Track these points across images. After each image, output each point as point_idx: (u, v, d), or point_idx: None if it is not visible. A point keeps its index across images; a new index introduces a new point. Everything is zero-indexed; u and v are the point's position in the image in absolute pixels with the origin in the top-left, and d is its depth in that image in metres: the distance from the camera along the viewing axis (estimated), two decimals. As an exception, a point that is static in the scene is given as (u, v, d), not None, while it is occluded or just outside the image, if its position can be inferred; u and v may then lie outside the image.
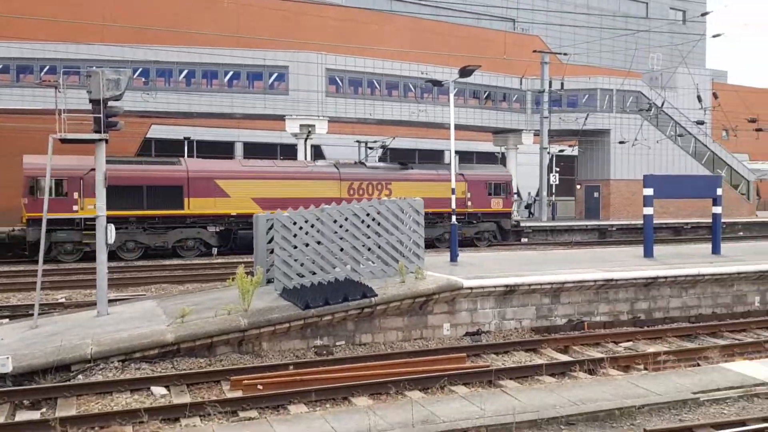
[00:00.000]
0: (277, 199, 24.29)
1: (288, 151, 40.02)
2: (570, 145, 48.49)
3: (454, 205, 18.35)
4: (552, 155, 44.84)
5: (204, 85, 33.93)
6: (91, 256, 19.67)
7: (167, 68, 33.16)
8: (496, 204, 31.01)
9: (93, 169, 20.86)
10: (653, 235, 19.15)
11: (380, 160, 36.72)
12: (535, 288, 13.96)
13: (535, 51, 39.24)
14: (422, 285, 13.12)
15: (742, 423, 7.76)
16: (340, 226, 13.78)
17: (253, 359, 11.61)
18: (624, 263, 16.86)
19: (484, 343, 12.62)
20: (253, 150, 40.81)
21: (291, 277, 13.28)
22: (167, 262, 24.59)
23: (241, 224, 25.53)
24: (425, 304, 13.07)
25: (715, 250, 19.53)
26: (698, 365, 10.97)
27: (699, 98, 36.41)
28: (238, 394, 9.73)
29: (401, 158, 35.93)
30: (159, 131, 39.45)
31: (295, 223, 13.35)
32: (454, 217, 18.42)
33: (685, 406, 8.66)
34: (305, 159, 34.32)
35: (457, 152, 40.02)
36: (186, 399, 9.50)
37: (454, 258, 17.45)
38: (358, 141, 36.67)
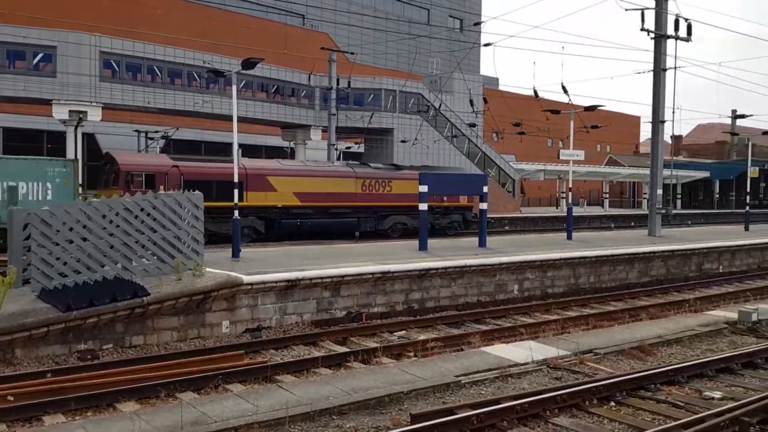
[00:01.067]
0: (311, 193, 27.36)
1: (55, 139, 36.44)
2: (356, 143, 50.03)
3: (236, 200, 17.92)
4: (339, 151, 45.86)
5: (-50, 60, 29.76)
6: None
7: None
8: (463, 200, 35.44)
9: (175, 165, 25.37)
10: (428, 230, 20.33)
11: (162, 151, 34.89)
12: (316, 282, 14.10)
13: (323, 48, 39.74)
14: (200, 282, 12.63)
15: (497, 401, 8.41)
16: (110, 222, 12.78)
17: (4, 368, 10.37)
18: (400, 256, 17.68)
19: (264, 339, 12.48)
20: (15, 136, 36.61)
21: (51, 277, 12.04)
22: None
23: (284, 214, 28.62)
24: (203, 302, 12.59)
25: (482, 243, 21.21)
26: (462, 350, 11.79)
27: (471, 102, 39.38)
28: (-18, 408, 8.59)
29: (185, 150, 34.48)
30: None
31: (55, 218, 12.12)
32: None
33: (449, 389, 9.22)
34: (75, 147, 31.49)
35: (244, 146, 39.35)
36: None
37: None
38: (137, 131, 34.50)
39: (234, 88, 17.28)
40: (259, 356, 11.65)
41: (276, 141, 47.19)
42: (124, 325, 11.81)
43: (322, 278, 14.19)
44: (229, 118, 18.57)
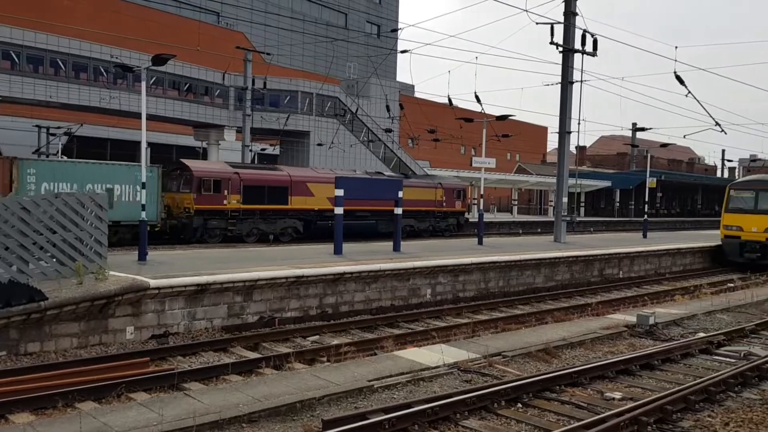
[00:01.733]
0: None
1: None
2: (272, 144, 49.42)
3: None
4: (254, 153, 45.12)
5: None
6: (229, 239, 28.71)
7: None
8: (458, 205, 39.90)
9: (236, 173, 29.40)
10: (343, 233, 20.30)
11: (65, 147, 33.25)
12: (227, 286, 13.77)
13: (238, 47, 39.06)
14: (103, 286, 12.06)
15: (409, 405, 8.46)
16: (5, 222, 12.02)
17: None
18: (315, 260, 17.56)
19: (171, 345, 12.06)
20: None
21: (-65, 281, 11.20)
22: None
23: (319, 217, 32.00)
24: (106, 307, 12.03)
25: (396, 248, 21.41)
26: (375, 354, 11.80)
27: (388, 108, 39.74)
28: None
29: (91, 147, 33.00)
30: None
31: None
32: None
33: (361, 394, 9.20)
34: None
35: (154, 145, 38.10)
36: None
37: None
38: (38, 126, 32.70)
39: (143, 84, 16.67)
40: (166, 363, 11.25)
41: (188, 141, 45.95)
42: (19, 331, 11.13)
43: (233, 282, 13.87)
44: (138, 116, 17.92)
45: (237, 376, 10.57)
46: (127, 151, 43.79)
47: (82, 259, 12.71)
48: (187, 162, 29.36)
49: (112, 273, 13.01)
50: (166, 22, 48.60)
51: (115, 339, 12.21)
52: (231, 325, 13.75)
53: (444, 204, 38.63)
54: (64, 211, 12.68)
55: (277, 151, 50.62)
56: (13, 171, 21.97)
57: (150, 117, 22.98)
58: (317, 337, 13.62)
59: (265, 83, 40.46)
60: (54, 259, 12.62)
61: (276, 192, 30.89)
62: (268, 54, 39.86)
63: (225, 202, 29.14)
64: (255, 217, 30.17)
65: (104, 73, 35.49)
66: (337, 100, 48.03)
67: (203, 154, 45.05)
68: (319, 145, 44.73)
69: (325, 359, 11.60)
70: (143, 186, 16.84)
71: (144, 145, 16.93)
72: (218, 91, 42.06)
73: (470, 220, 42.57)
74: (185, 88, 40.57)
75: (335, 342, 12.84)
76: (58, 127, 32.44)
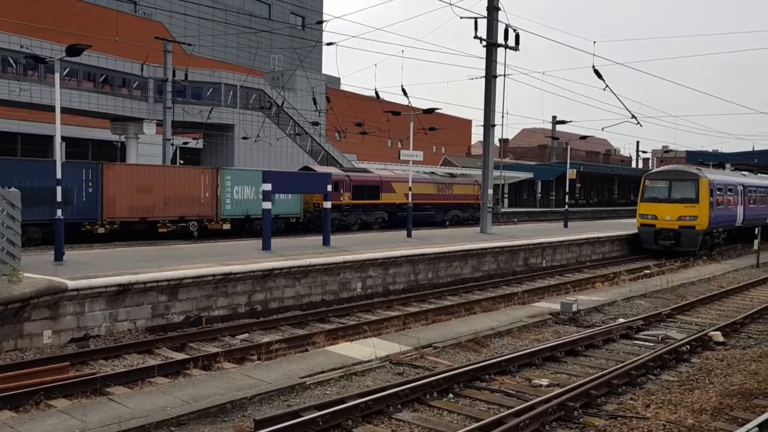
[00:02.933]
0: (414, 194, 31.70)
1: None
2: (194, 138, 48.21)
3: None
4: (176, 147, 43.90)
5: None
6: (342, 228, 35.21)
7: None
8: (472, 197, 46.86)
9: (347, 175, 37.16)
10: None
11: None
12: (151, 286, 13.32)
13: (157, 38, 37.79)
14: (17, 288, 11.43)
15: (342, 401, 8.42)
16: None
17: None
18: (243, 256, 17.24)
19: (92, 349, 11.57)
20: None
21: None
22: None
23: (398, 209, 39.43)
24: (21, 311, 11.42)
25: (326, 242, 21.28)
26: (307, 350, 11.70)
27: (314, 101, 39.40)
28: None
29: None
30: None
31: None
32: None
33: (293, 392, 9.09)
34: None
35: (69, 139, 36.46)
36: None
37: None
38: (-61, 119, 30.75)
39: (57, 75, 15.87)
40: (87, 367, 10.79)
41: (105, 134, 44.25)
42: (-76, 339, 10.43)
43: (157, 281, 13.43)
44: (51, 109, 17.07)
45: (164, 378, 10.25)
46: (40, 146, 41.80)
47: (-7, 261, 12.02)
48: (314, 167, 37.92)
49: (26, 275, 12.37)
50: (81, 11, 46.59)
51: (31, 344, 11.62)
52: (156, 325, 13.32)
53: (480, 197, 41.14)
54: (-29, 210, 11.95)
55: (200, 145, 49.40)
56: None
57: (64, 110, 21.97)
58: (247, 335, 13.38)
59: (186, 75, 39.29)
60: (-39, 262, 11.90)
61: (372, 190, 38.52)
62: (188, 45, 38.71)
63: (341, 198, 35.81)
64: (359, 210, 37.65)
65: (14, 64, 33.68)
66: (262, 92, 47.30)
67: (122, 148, 43.48)
68: (244, 138, 43.94)
69: (255, 357, 11.40)
70: (58, 183, 16.04)
71: (58, 139, 16.13)
72: (137, 82, 40.64)
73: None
74: (102, 79, 39.01)
75: (266, 339, 12.64)
76: (-37, 121, 30.63)
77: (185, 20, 56.52)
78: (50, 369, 10.13)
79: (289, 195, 32.22)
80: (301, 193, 31.66)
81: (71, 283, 12.10)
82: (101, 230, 26.11)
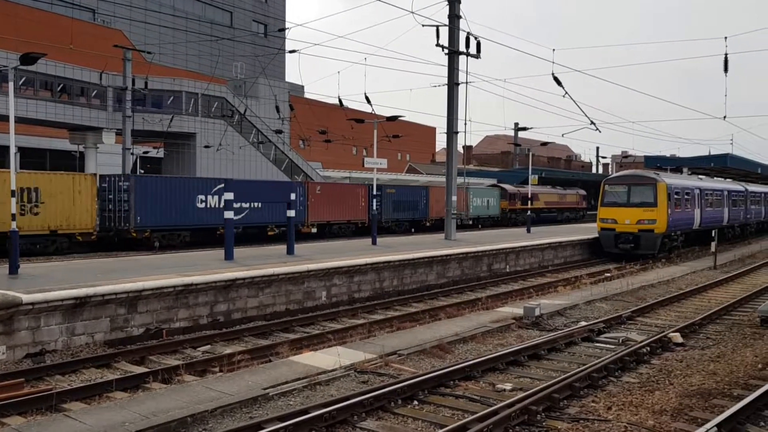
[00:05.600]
0: (546, 201, 52.60)
1: None
2: (155, 147, 47.52)
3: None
4: (136, 156, 43.19)
5: None
6: (515, 224, 51.72)
7: None
8: (584, 203, 68.11)
9: (518, 190, 55.73)
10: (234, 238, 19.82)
11: None
12: (109, 298, 13.03)
13: (116, 46, 37.17)
14: (-32, 304, 11.08)
15: (306, 411, 8.32)
16: None
17: None
18: (205, 267, 17.01)
19: (48, 364, 11.26)
20: None
21: None
22: None
23: (540, 212, 56.60)
24: (-27, 326, 11.07)
25: (290, 251, 21.13)
26: (270, 361, 11.56)
27: (278, 109, 39.17)
28: None
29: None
30: None
31: None
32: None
33: (256, 403, 8.96)
34: None
35: (26, 149, 35.65)
36: None
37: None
38: None
39: (11, 85, 15.48)
40: (43, 383, 10.49)
41: (63, 144, 43.33)
42: None
43: (116, 294, 13.15)
44: (5, 119, 16.62)
45: (122, 392, 10.01)
46: (-4, 156, 40.69)
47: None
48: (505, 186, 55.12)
49: (-22, 289, 11.99)
50: (37, 18, 45.62)
51: (-17, 361, 11.26)
52: (115, 339, 13.03)
53: (578, 204, 66.63)
54: None
55: (161, 154, 48.69)
56: None
57: (19, 120, 21.46)
58: (209, 346, 13.17)
59: (146, 83, 38.68)
60: None
61: (528, 199, 43.60)
62: (148, 53, 38.22)
63: (516, 205, 54.07)
64: (522, 212, 51.41)
65: (-35, 73, 32.80)
66: (224, 100, 46.87)
67: (80, 158, 42.62)
68: (207, 147, 43.46)
69: (217, 369, 11.22)
70: (13, 194, 15.61)
71: (13, 150, 15.72)
72: (95, 91, 39.90)
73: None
74: (59, 88, 38.22)
75: (228, 351, 12.46)
76: None
77: (145, 28, 55.77)
78: (4, 386, 9.82)
79: (489, 201, 51.49)
80: (266, 203, 31.39)
81: (26, 297, 11.78)
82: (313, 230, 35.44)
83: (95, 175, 27.27)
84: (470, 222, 47.73)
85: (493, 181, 72.26)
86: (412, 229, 42.12)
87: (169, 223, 28.53)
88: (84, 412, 8.49)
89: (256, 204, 31.09)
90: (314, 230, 35.63)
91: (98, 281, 13.88)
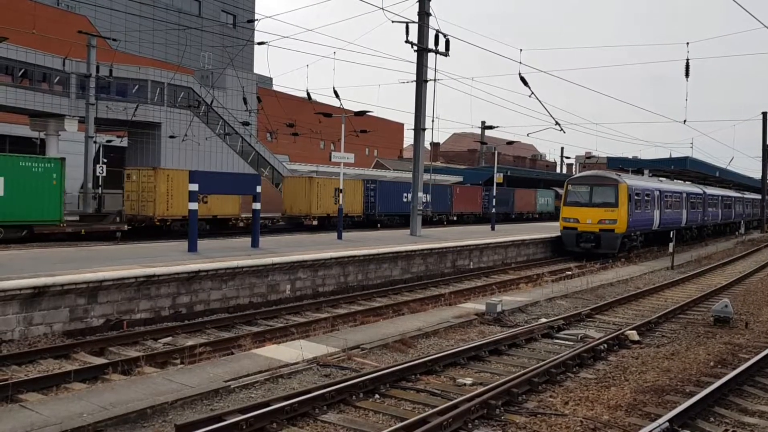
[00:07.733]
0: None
1: None
2: (119, 136, 46.76)
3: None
4: (99, 145, 42.41)
5: None
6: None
7: None
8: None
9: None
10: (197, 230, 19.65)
11: None
12: (69, 288, 12.83)
13: (80, 32, 36.43)
14: None
15: (267, 404, 8.33)
16: None
17: None
18: (168, 258, 16.83)
19: (4, 354, 11.04)
20: None
21: None
22: None
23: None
24: (-75, 315, 10.80)
25: (254, 244, 21.01)
26: (232, 354, 11.52)
27: (245, 100, 38.81)
28: None
29: None
30: None
31: None
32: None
33: (217, 395, 8.95)
34: None
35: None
36: None
37: None
38: None
39: (-31, 68, 15.11)
40: (-1, 374, 10.29)
41: (24, 131, 42.34)
42: None
43: (76, 284, 12.94)
44: (-37, 103, 16.19)
45: (81, 384, 9.89)
46: (-49, 141, 39.63)
47: None
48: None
49: (-68, 277, 11.71)
50: (-2, 1, 44.44)
51: (-64, 350, 11.00)
52: (74, 329, 12.83)
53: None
54: None
55: (125, 143, 47.91)
56: None
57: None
58: (170, 338, 13.06)
59: (111, 71, 37.96)
60: None
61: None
62: (114, 40, 37.55)
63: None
64: None
65: None
66: (191, 90, 46.30)
67: (41, 145, 41.72)
68: (172, 137, 42.89)
69: (178, 361, 11.15)
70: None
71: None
72: (58, 78, 39.06)
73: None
74: (20, 73, 37.32)
75: (190, 343, 12.38)
76: None
77: (111, 15, 54.76)
78: (-43, 376, 9.62)
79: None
80: (231, 194, 31.13)
81: (-18, 286, 11.53)
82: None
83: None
84: (435, 218, 49.04)
85: (460, 179, 72.85)
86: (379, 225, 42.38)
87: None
88: (41, 403, 8.38)
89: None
90: (315, 222, 38.16)
91: (58, 271, 13.65)
